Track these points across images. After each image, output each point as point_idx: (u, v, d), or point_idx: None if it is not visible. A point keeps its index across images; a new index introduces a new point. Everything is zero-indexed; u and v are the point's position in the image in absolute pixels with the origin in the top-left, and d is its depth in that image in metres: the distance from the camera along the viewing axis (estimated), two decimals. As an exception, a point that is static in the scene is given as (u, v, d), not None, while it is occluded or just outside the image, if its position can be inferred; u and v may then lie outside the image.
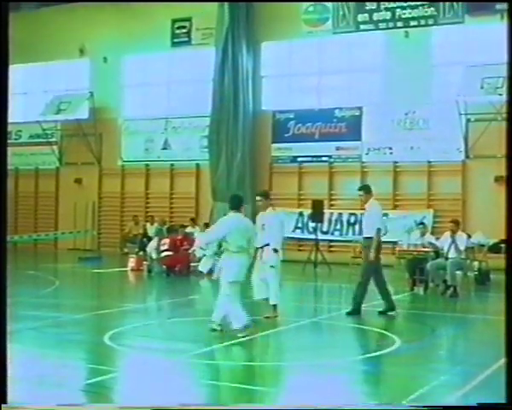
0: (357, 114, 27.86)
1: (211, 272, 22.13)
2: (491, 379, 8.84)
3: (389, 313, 14.22)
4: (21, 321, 11.70)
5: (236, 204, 11.93)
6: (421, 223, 20.88)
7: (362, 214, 25.86)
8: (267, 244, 13.29)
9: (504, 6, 24.39)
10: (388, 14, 27.24)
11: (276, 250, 13.31)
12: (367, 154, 27.59)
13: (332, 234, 27.49)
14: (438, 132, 26.08)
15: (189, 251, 21.96)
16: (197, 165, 30.80)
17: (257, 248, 13.17)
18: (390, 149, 27.13)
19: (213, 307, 11.90)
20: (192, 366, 9.70)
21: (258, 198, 14.07)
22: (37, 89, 33.90)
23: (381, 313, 14.22)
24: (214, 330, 11.72)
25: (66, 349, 10.68)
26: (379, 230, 14.25)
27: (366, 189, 14.81)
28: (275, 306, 13.42)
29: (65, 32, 32.98)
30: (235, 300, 11.58)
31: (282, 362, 10.05)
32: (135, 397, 8.14)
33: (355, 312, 14.16)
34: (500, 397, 7.98)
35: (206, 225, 23.74)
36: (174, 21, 31.39)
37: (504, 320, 5.11)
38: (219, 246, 26.02)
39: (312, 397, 8.22)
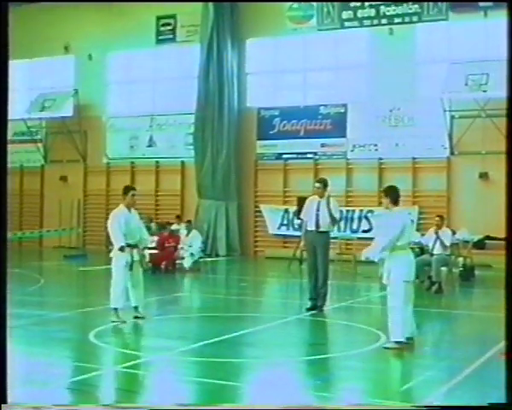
0: (342, 111, 27.91)
1: (195, 269, 22.27)
2: (476, 374, 8.90)
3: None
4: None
5: (398, 197, 10.78)
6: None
7: (348, 211, 26.34)
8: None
9: (488, 4, 24.56)
10: (373, 12, 27.28)
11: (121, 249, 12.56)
12: (352, 151, 27.66)
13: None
14: (422, 129, 26.16)
15: (178, 248, 22.06)
16: (182, 162, 30.81)
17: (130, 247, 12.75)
18: (375, 145, 27.20)
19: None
20: (178, 364, 9.70)
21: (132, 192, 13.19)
22: (22, 86, 33.76)
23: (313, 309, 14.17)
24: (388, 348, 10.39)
25: (52, 347, 10.66)
26: (339, 221, 15.29)
27: (325, 182, 14.62)
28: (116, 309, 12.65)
29: (49, 29, 32.88)
30: (406, 306, 10.36)
31: (269, 358, 10.05)
32: (120, 395, 8.14)
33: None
34: (485, 392, 8.04)
35: (189, 222, 23.77)
36: (159, 18, 31.36)
37: (504, 321, 5.13)
38: (204, 244, 26.27)
39: (298, 393, 8.24)
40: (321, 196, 14.22)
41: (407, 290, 10.40)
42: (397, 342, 10.28)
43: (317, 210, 14.07)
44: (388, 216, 10.86)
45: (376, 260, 10.60)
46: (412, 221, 20.24)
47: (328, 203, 14.15)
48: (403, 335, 10.30)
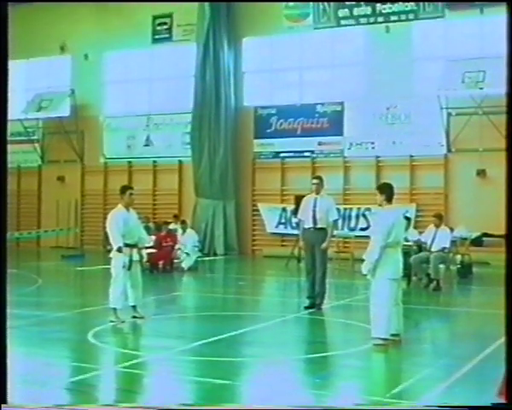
0: (338, 109, 27.92)
1: (193, 268, 22.25)
2: (474, 372, 8.90)
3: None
4: (4, 320, 11.64)
5: (391, 195, 10.71)
6: (406, 217, 20.92)
7: (345, 209, 26.35)
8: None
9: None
10: (369, 9, 27.27)
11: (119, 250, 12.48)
12: (349, 149, 27.67)
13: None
14: (419, 127, 26.18)
15: (175, 248, 22.04)
16: (180, 161, 30.81)
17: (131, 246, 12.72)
18: (372, 143, 27.22)
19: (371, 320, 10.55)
20: (177, 363, 9.70)
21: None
22: (18, 86, 33.69)
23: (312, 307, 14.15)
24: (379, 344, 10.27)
25: (50, 347, 10.64)
26: (336, 221, 15.03)
27: (322, 180, 14.66)
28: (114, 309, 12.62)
29: (45, 29, 32.86)
30: (389, 303, 10.31)
31: (267, 357, 10.05)
32: (119, 394, 8.14)
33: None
34: (484, 389, 8.04)
35: (184, 222, 23.69)
36: (155, 18, 31.34)
37: (504, 318, 5.14)
38: (202, 243, 26.26)
39: (297, 392, 8.24)
40: (317, 193, 14.24)
41: (392, 288, 10.36)
42: (382, 339, 10.26)
43: (314, 207, 14.07)
44: (378, 214, 10.84)
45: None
46: (409, 219, 20.32)
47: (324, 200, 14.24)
48: (387, 332, 10.28)
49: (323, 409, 6.77)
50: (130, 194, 12.99)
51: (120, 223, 12.59)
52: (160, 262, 21.54)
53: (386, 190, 10.73)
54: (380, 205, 10.81)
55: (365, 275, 10.55)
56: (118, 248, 12.42)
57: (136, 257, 12.81)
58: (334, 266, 21.30)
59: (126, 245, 12.54)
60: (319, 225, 14.07)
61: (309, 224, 14.11)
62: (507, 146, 5.53)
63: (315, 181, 14.52)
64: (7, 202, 5.75)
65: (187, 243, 22.33)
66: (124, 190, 13.12)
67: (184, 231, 22.87)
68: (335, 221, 14.80)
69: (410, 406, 7.10)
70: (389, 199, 10.66)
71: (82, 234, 31.83)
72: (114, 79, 32.58)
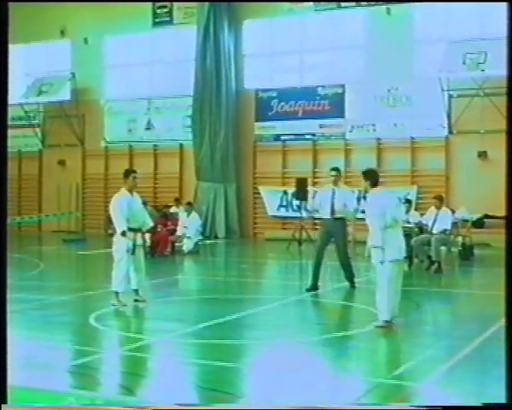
0: (339, 91, 27.85)
1: (195, 252, 22.24)
2: (475, 353, 8.91)
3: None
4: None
5: (376, 181, 10.82)
6: (408, 200, 20.86)
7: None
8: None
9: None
10: (370, -9, 27.17)
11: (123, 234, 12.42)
12: (350, 131, 27.61)
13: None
14: (421, 109, 26.11)
15: (176, 231, 22.04)
16: (180, 145, 30.78)
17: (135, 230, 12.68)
18: (373, 126, 27.16)
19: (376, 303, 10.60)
20: (179, 346, 9.72)
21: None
22: (18, 71, 33.59)
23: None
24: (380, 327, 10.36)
25: (52, 331, 10.67)
26: (357, 210, 14.98)
27: (339, 171, 14.89)
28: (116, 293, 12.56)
29: (45, 13, 32.74)
30: (393, 285, 10.36)
31: (269, 340, 10.07)
32: (121, 377, 8.16)
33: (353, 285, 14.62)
34: (486, 370, 8.07)
35: (189, 204, 23.66)
36: (155, 1, 31.20)
37: (504, 300, 5.12)
38: (203, 227, 26.24)
39: (299, 374, 8.25)
40: (335, 184, 14.40)
41: (393, 270, 10.40)
42: (385, 321, 10.31)
43: (333, 198, 14.20)
44: (369, 198, 10.98)
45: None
46: (409, 201, 20.37)
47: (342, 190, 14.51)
48: (391, 314, 10.33)
49: (323, 409, 6.76)
50: (134, 177, 12.98)
51: (124, 207, 12.58)
52: (162, 246, 21.53)
53: (371, 177, 10.89)
54: (365, 190, 11.07)
55: (381, 262, 10.45)
56: (122, 232, 12.42)
57: (139, 241, 12.81)
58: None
59: (130, 229, 12.53)
60: (337, 215, 14.29)
61: (327, 215, 14.27)
62: (507, 129, 5.51)
63: (333, 173, 14.73)
64: (7, 186, 5.73)
65: (191, 225, 22.28)
66: (127, 173, 13.12)
67: (189, 213, 22.76)
68: (356, 210, 14.98)
69: (411, 406, 7.09)
70: (374, 184, 10.81)
71: (83, 218, 31.84)
72: (115, 62, 32.50)
